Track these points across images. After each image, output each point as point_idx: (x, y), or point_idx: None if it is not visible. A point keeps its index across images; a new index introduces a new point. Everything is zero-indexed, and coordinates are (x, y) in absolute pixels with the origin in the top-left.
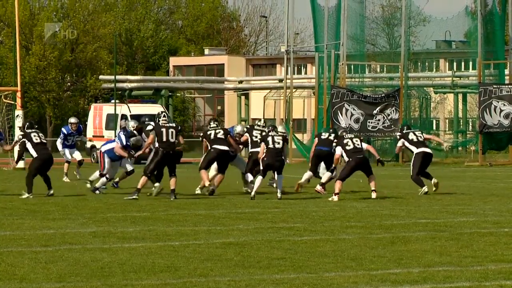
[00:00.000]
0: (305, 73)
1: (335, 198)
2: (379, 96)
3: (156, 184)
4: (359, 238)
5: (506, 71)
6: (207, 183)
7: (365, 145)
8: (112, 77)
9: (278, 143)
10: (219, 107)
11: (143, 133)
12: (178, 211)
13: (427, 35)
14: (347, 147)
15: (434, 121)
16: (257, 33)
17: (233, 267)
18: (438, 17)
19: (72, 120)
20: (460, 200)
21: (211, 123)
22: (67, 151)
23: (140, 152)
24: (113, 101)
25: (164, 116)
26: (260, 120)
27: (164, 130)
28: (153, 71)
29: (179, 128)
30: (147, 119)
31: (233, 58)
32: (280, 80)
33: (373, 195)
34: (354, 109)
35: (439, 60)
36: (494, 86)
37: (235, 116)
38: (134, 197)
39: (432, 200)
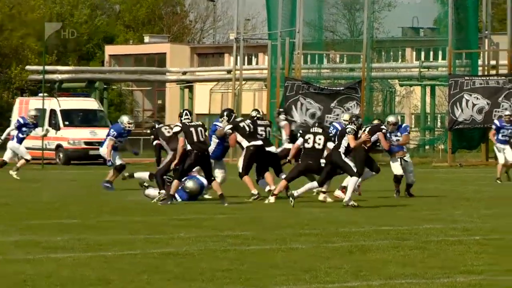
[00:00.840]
0: (256, 63)
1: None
2: (338, 88)
3: (162, 191)
4: (314, 247)
5: (480, 62)
6: (272, 187)
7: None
8: (41, 67)
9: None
10: (159, 101)
11: (159, 137)
12: (112, 218)
13: (392, 22)
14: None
15: (399, 117)
16: (203, 19)
17: (173, 279)
18: (405, 2)
19: (33, 112)
20: (426, 205)
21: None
22: (11, 145)
23: (176, 161)
24: (41, 94)
25: (186, 114)
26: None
27: (192, 129)
28: (87, 61)
29: (205, 126)
30: (156, 124)
31: (176, 47)
32: (228, 71)
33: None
34: (310, 103)
35: (405, 49)
36: (466, 78)
37: (178, 111)
38: (169, 202)
39: (395, 205)
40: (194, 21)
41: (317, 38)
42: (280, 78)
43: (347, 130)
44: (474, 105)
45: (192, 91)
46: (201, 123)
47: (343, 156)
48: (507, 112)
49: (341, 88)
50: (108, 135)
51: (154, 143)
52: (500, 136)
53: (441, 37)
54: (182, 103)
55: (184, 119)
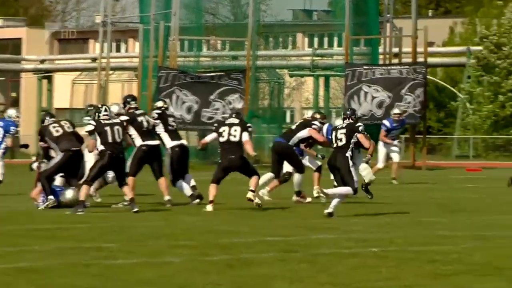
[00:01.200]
0: (126, 50)
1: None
2: (218, 75)
3: (51, 197)
4: (190, 261)
5: (380, 49)
6: (129, 196)
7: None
8: None
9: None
10: (13, 94)
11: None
12: None
13: (281, 3)
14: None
15: (288, 112)
16: (65, 0)
17: None
18: None
19: None
20: (317, 212)
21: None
22: None
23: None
24: None
25: (106, 110)
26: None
27: (108, 128)
28: None
29: (124, 124)
30: (47, 117)
31: (33, 32)
32: (94, 60)
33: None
34: (186, 95)
35: (296, 34)
36: (364, 67)
37: (34, 105)
38: (80, 211)
39: (282, 212)
40: (55, 2)
41: (196, 22)
42: (153, 68)
43: (360, 128)
44: (373, 98)
45: (51, 82)
46: (119, 121)
47: (350, 163)
48: (396, 111)
49: (222, 74)
50: (7, 132)
51: (40, 144)
52: (389, 137)
53: (337, 21)
54: (39, 95)
55: (103, 115)
